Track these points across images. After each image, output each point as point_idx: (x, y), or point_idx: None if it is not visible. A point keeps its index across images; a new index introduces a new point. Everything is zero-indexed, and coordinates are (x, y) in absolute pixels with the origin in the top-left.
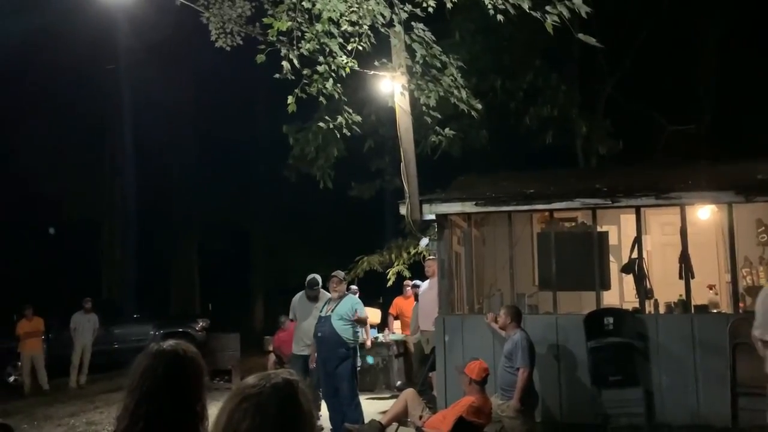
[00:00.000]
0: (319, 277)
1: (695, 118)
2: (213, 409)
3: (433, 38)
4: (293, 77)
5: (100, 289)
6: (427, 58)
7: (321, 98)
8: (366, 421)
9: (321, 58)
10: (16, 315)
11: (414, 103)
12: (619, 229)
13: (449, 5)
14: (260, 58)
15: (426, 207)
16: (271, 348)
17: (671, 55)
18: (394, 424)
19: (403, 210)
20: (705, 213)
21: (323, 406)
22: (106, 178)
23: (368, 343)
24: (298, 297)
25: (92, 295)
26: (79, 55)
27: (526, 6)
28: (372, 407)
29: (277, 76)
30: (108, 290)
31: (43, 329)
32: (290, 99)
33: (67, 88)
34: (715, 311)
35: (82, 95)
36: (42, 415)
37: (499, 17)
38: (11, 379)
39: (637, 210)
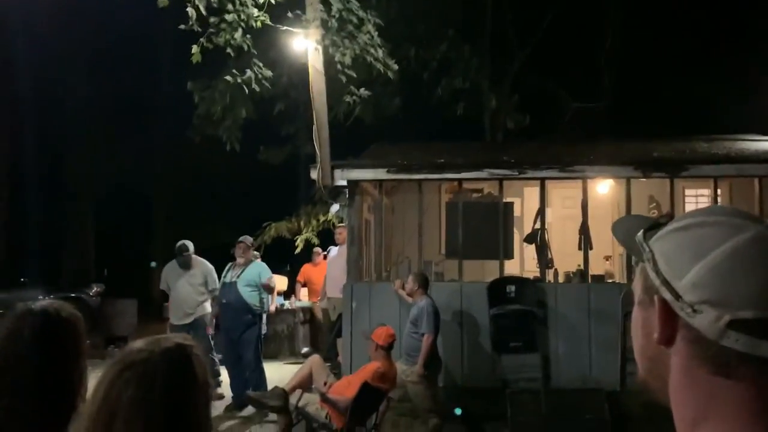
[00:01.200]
0: (189, 243)
1: (598, 96)
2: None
3: None
4: (199, 28)
5: None
6: (343, 13)
7: (229, 50)
8: (269, 388)
9: (230, 6)
10: None
11: (328, 65)
12: (523, 202)
13: None
14: (162, 1)
15: (338, 172)
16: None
17: (578, 34)
18: (298, 391)
19: (314, 174)
20: (604, 187)
21: (224, 373)
22: None
23: (272, 308)
24: (169, 266)
25: None
26: None
27: None
28: (276, 374)
29: (182, 27)
30: None
31: None
32: (195, 49)
33: None
34: (610, 281)
35: None
36: None
37: None
38: None
39: (542, 182)
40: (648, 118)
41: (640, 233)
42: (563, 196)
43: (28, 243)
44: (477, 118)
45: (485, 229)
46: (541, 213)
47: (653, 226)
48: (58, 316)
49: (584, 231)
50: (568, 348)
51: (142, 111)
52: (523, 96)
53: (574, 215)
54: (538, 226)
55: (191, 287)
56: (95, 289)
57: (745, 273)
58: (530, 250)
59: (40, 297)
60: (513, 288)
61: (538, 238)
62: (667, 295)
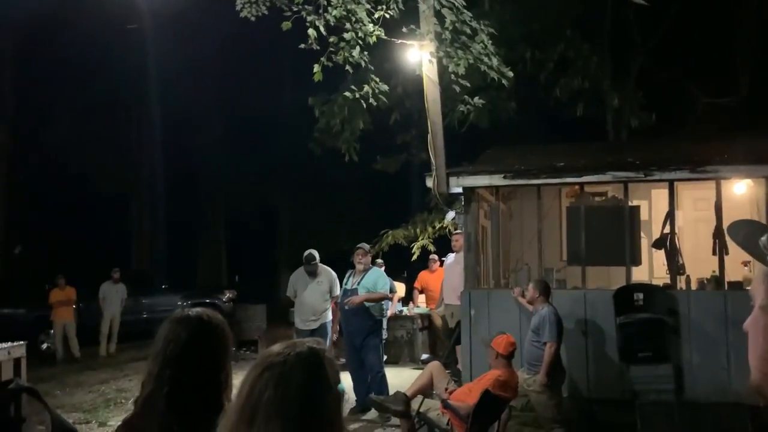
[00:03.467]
0: (315, 252)
1: (731, 89)
2: (239, 379)
3: (464, 3)
4: (319, 47)
5: (130, 260)
6: (456, 24)
7: (348, 67)
8: (391, 392)
9: (348, 26)
10: (49, 285)
11: (441, 74)
12: (651, 204)
13: None
14: (286, 25)
15: (453, 180)
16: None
17: (707, 24)
18: (419, 396)
19: (429, 183)
20: (740, 188)
21: (347, 377)
22: (133, 150)
23: (388, 313)
24: (297, 273)
25: (122, 267)
26: (106, 29)
27: None
28: (397, 379)
29: (302, 45)
30: (137, 262)
31: (75, 298)
32: (316, 68)
33: (93, 61)
34: (748, 288)
35: (109, 69)
36: (73, 381)
37: None
38: (44, 346)
39: (671, 184)
40: None
41: (765, 237)
42: (695, 197)
43: (168, 252)
44: (598, 118)
45: (610, 235)
46: (670, 216)
47: None
48: (210, 322)
49: (719, 235)
50: (703, 359)
51: (267, 126)
52: (648, 93)
53: (707, 218)
54: (667, 230)
55: (318, 294)
56: (228, 295)
57: None
58: (660, 255)
59: (179, 303)
60: (641, 296)
61: (667, 243)
62: None
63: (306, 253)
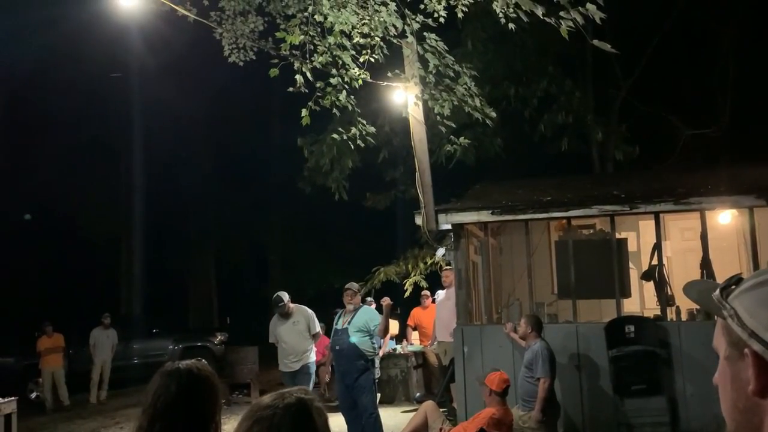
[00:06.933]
0: (283, 294)
1: (713, 121)
2: (232, 423)
3: (446, 48)
4: (306, 90)
5: (119, 304)
6: (440, 68)
7: (334, 110)
8: None
9: (334, 71)
10: (37, 332)
11: (428, 112)
12: (638, 236)
13: (460, 15)
14: (273, 72)
15: (442, 217)
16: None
17: (686, 58)
18: None
19: (418, 220)
20: (726, 217)
21: (340, 418)
22: (121, 194)
23: (380, 352)
24: (273, 320)
25: (111, 311)
26: (92, 74)
27: (539, 13)
28: (391, 421)
29: (290, 89)
30: (126, 306)
31: (64, 345)
32: (304, 112)
33: (80, 106)
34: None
35: (96, 113)
36: (64, 431)
37: (511, 26)
38: (33, 395)
39: (656, 216)
40: None
41: (717, 292)
42: (682, 227)
43: (158, 295)
44: (583, 151)
45: (599, 268)
46: (657, 248)
47: (727, 285)
48: (199, 374)
49: (705, 265)
50: (696, 390)
51: (256, 166)
52: (632, 126)
53: (695, 248)
54: (655, 261)
55: (296, 334)
56: (219, 337)
57: None
58: (650, 286)
59: (171, 347)
60: (632, 328)
61: (656, 275)
62: (757, 346)
63: (274, 296)
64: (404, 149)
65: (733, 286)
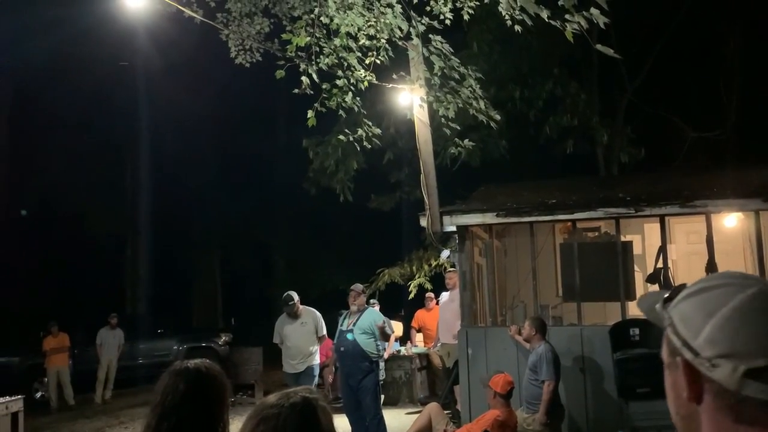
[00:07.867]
0: (293, 293)
1: (719, 123)
2: (237, 424)
3: (451, 50)
4: (312, 92)
5: (124, 304)
6: (445, 70)
7: (340, 112)
8: None
9: (339, 72)
10: (42, 331)
11: (433, 114)
12: (644, 239)
13: (466, 17)
14: (279, 73)
15: (446, 219)
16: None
17: (692, 60)
18: None
19: (423, 222)
20: (731, 221)
21: (344, 420)
22: (127, 195)
23: (385, 354)
24: (281, 318)
25: (116, 311)
26: (99, 74)
27: (545, 16)
28: (395, 422)
29: (296, 91)
30: (132, 306)
31: (69, 345)
32: (310, 113)
33: (88, 106)
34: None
35: (103, 113)
36: (68, 430)
37: (517, 28)
38: (38, 395)
39: (662, 219)
40: None
41: (659, 303)
42: (687, 231)
43: (163, 296)
44: (589, 154)
45: (604, 270)
46: (662, 251)
47: (671, 296)
48: (207, 373)
49: (711, 269)
50: None
51: (261, 167)
52: (637, 128)
53: (700, 251)
54: (660, 264)
55: (303, 335)
56: (224, 338)
57: (751, 325)
58: (656, 289)
59: (175, 347)
60: (637, 331)
61: (661, 278)
62: (688, 354)
63: (284, 295)
64: (409, 151)
65: (674, 298)
